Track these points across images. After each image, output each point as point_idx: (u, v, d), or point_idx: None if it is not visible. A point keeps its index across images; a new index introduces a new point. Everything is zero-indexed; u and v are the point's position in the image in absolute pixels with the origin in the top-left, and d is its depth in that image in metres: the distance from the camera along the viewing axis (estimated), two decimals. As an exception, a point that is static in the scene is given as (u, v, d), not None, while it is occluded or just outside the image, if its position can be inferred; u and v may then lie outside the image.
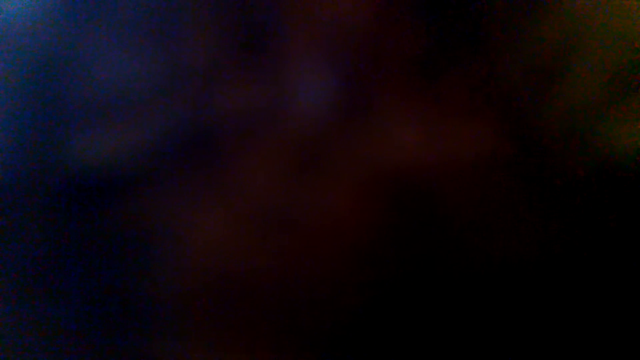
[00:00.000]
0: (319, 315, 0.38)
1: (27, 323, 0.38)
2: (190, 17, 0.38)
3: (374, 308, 0.38)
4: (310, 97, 0.38)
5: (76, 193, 0.38)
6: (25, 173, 0.38)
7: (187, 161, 0.38)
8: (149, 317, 0.38)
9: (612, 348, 0.38)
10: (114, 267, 0.38)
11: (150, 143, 0.38)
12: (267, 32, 0.38)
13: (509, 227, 0.38)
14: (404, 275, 0.38)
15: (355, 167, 0.38)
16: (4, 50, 0.38)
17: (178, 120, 0.38)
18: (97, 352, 0.38)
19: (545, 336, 0.38)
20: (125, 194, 0.38)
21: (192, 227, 0.38)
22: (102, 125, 0.38)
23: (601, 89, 0.38)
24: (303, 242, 0.38)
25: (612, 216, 0.38)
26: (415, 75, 0.38)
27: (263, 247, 0.38)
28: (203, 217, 0.38)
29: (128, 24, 0.38)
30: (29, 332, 0.38)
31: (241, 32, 0.38)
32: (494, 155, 0.38)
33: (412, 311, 0.38)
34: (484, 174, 0.38)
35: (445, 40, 0.38)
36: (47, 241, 0.38)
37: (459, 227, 0.38)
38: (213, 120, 0.38)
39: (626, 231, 0.38)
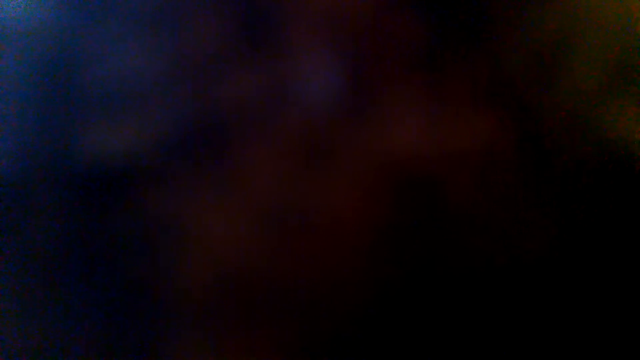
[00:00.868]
0: (326, 311, 0.38)
1: (32, 317, 0.38)
2: (199, 10, 0.38)
3: (381, 304, 0.37)
4: (316, 91, 0.38)
5: (86, 186, 0.38)
6: (35, 167, 0.38)
7: (195, 154, 0.38)
8: (157, 311, 0.38)
9: (612, 344, 0.38)
10: (122, 261, 0.38)
11: (159, 136, 0.38)
12: (274, 27, 0.38)
13: (513, 221, 0.38)
14: (411, 272, 0.38)
15: (360, 162, 0.38)
16: (13, 45, 0.38)
17: (186, 113, 0.38)
18: (103, 345, 0.38)
19: (547, 331, 0.38)
20: (134, 187, 0.38)
21: (201, 221, 0.38)
22: (110, 118, 0.38)
23: (602, 81, 0.38)
24: (310, 238, 0.38)
25: (612, 208, 0.38)
26: (420, 68, 0.38)
27: (270, 242, 0.38)
28: (212, 210, 0.38)
29: (136, 17, 0.38)
30: (35, 326, 0.38)
31: (249, 25, 0.38)
32: (498, 148, 0.38)
33: (418, 307, 0.38)
34: (488, 167, 0.38)
35: (449, 34, 0.38)
36: (57, 235, 0.38)
37: (463, 221, 0.38)
38: (220, 114, 0.38)
39: (626, 224, 0.38)
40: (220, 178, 0.38)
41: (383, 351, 0.38)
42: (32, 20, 0.38)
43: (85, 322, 0.38)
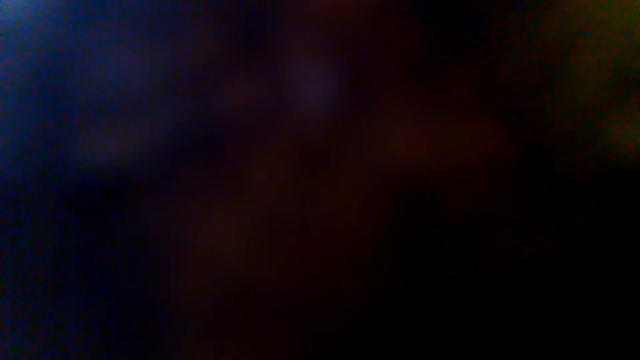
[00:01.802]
0: (326, 319, 0.38)
1: (27, 327, 0.38)
2: (198, 16, 0.38)
3: (382, 313, 0.38)
4: (316, 99, 0.38)
5: (83, 194, 0.38)
6: (32, 174, 0.38)
7: (193, 162, 0.38)
8: (156, 321, 0.38)
9: (613, 349, 0.38)
10: (119, 271, 0.38)
11: (157, 142, 0.38)
12: (273, 33, 0.38)
13: (514, 230, 0.38)
14: (412, 281, 0.38)
15: (361, 170, 0.38)
16: (8, 49, 0.38)
17: (184, 120, 0.38)
18: (99, 356, 0.38)
19: (549, 337, 0.38)
20: (131, 195, 0.38)
21: (199, 230, 0.38)
22: (107, 125, 0.38)
23: (603, 89, 0.38)
24: (310, 247, 0.38)
25: (613, 216, 0.38)
26: (419, 75, 0.38)
27: (270, 251, 0.38)
28: (209, 219, 0.38)
29: (133, 23, 0.38)
30: (30, 336, 0.38)
31: (247, 31, 0.38)
32: (497, 156, 0.38)
33: (419, 316, 0.38)
34: (488, 175, 0.38)
35: (449, 42, 0.38)
36: (52, 244, 0.38)
37: (463, 230, 0.38)
38: (218, 121, 0.38)
39: (627, 231, 0.38)
40: (218, 186, 0.38)
41: (392, 354, 0.38)
42: (27, 24, 0.38)
43: (81, 332, 0.38)
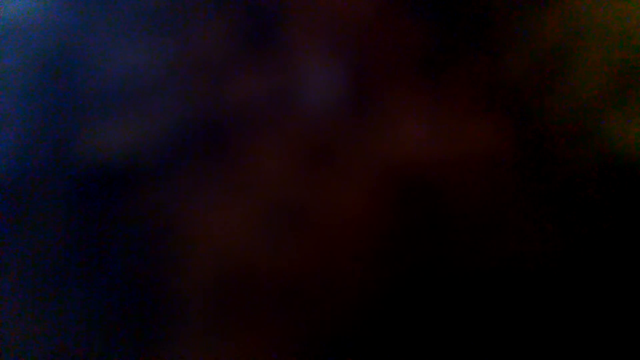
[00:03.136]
0: (328, 311, 0.38)
1: (32, 317, 0.38)
2: (202, 9, 0.38)
3: (383, 305, 0.37)
4: (319, 93, 0.38)
5: (87, 186, 0.38)
6: (35, 166, 0.38)
7: (196, 154, 0.38)
8: (159, 311, 0.38)
9: (613, 346, 0.38)
10: (123, 261, 0.38)
11: (160, 135, 0.38)
12: (277, 28, 0.38)
13: (514, 223, 0.38)
14: (412, 273, 0.38)
15: (363, 164, 0.38)
16: (13, 44, 0.38)
17: (187, 113, 0.38)
18: (104, 345, 0.38)
19: (547, 332, 0.38)
20: (135, 186, 0.38)
21: (203, 221, 0.38)
22: (111, 117, 0.38)
23: (604, 87, 0.38)
24: (313, 239, 0.38)
25: (614, 213, 0.38)
26: (422, 72, 0.38)
27: (272, 242, 0.38)
28: (213, 211, 0.38)
29: (137, 16, 0.38)
30: (35, 326, 0.38)
31: (252, 25, 0.38)
32: (500, 152, 0.38)
33: (419, 309, 0.38)
34: (490, 171, 0.38)
35: (451, 39, 0.38)
36: (57, 235, 0.38)
37: (464, 225, 0.38)
38: (222, 113, 0.38)
39: (628, 228, 0.38)
40: (222, 178, 0.38)
41: (385, 351, 0.38)
42: (32, 18, 0.38)
43: (85, 322, 0.38)
